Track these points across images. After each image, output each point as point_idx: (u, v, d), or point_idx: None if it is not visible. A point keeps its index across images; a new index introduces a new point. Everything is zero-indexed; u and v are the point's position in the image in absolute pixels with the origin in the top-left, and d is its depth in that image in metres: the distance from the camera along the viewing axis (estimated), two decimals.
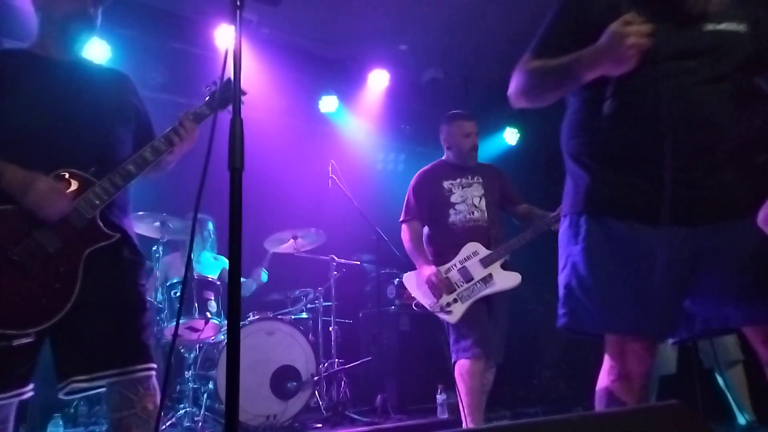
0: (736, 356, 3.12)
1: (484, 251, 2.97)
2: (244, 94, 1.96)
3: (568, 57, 1.48)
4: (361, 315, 4.63)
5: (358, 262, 4.41)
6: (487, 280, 2.93)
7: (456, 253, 2.99)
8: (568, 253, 1.55)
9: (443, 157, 3.33)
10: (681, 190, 1.42)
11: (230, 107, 1.91)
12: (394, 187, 5.51)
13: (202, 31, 4.55)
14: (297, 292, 4.20)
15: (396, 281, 4.39)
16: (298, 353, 3.59)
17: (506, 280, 2.94)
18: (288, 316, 3.89)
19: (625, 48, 1.36)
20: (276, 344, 3.55)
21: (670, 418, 1.05)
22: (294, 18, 4.66)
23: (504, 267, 2.96)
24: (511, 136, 6.00)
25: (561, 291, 1.56)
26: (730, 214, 1.43)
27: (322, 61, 5.14)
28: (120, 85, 1.92)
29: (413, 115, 5.71)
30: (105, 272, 1.68)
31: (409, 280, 3.14)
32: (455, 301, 2.93)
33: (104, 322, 1.66)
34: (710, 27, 1.49)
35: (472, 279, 2.93)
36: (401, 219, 3.21)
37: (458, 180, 3.15)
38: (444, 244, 3.04)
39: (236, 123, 1.18)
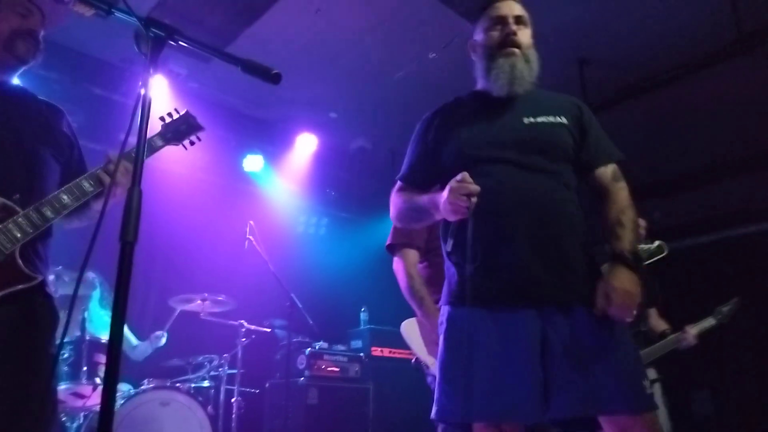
0: None
1: None
2: (201, 129, 1.88)
3: (424, 198, 1.75)
4: (267, 385, 4.39)
5: (269, 329, 4.22)
6: None
7: None
8: (440, 345, 1.68)
9: None
10: (530, 273, 1.58)
11: (185, 141, 1.83)
12: (314, 251, 5.44)
13: (127, 79, 4.43)
14: (200, 358, 3.94)
15: (307, 351, 4.23)
16: (194, 427, 3.31)
17: None
18: (187, 385, 3.62)
19: (457, 205, 1.54)
20: (170, 416, 3.26)
21: None
22: (224, 76, 4.63)
23: None
24: None
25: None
26: (567, 302, 1.57)
27: (249, 120, 5.10)
28: (51, 114, 1.76)
29: (339, 182, 5.73)
30: (14, 326, 1.42)
31: (410, 329, 2.45)
32: None
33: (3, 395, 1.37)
34: (529, 120, 1.74)
35: None
36: (388, 244, 2.56)
37: None
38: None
39: (134, 194, 1.09)
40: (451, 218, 1.61)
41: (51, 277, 3.32)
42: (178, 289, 3.89)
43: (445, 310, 1.69)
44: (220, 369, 3.86)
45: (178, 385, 3.54)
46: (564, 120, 1.74)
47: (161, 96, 4.43)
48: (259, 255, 3.93)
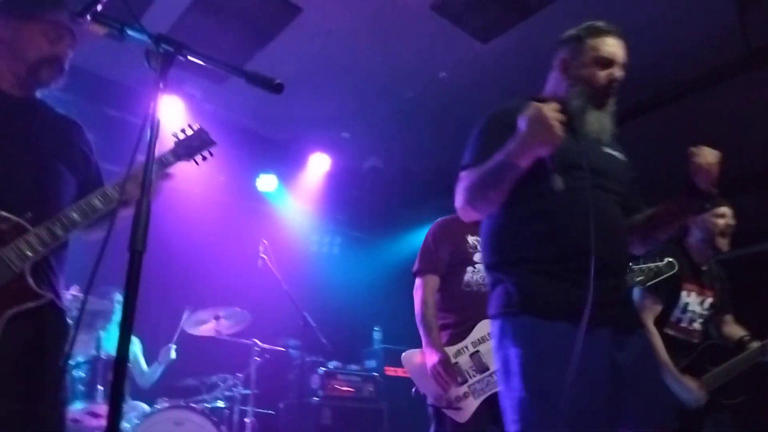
0: None
1: None
2: (214, 144, 1.89)
3: (496, 156, 1.59)
4: (282, 405, 4.36)
5: (283, 348, 4.20)
6: None
7: (469, 330, 2.48)
8: (510, 358, 1.58)
9: None
10: (611, 295, 1.60)
11: (197, 157, 1.85)
12: (327, 270, 5.44)
13: (142, 101, 4.51)
14: (214, 377, 3.92)
15: (321, 370, 4.20)
16: None
17: None
18: (201, 405, 3.61)
19: (547, 124, 1.48)
20: None
21: None
22: (238, 97, 4.71)
23: None
24: None
25: (515, 399, 1.55)
26: (631, 326, 1.66)
27: (263, 140, 5.16)
28: (69, 128, 1.75)
29: (352, 201, 5.75)
30: (26, 340, 1.42)
31: (410, 360, 2.57)
32: (466, 395, 2.40)
33: (12, 409, 1.38)
34: (606, 150, 1.77)
35: (488, 369, 2.40)
36: (415, 269, 2.69)
37: None
38: (454, 312, 2.56)
39: (143, 204, 1.11)
40: (543, 149, 1.52)
41: (70, 292, 3.36)
42: (192, 308, 3.90)
43: (522, 320, 1.58)
44: (234, 389, 3.84)
45: (192, 405, 3.53)
46: (627, 160, 1.84)
47: (177, 117, 4.51)
48: (272, 274, 3.94)
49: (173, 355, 3.79)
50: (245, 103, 4.80)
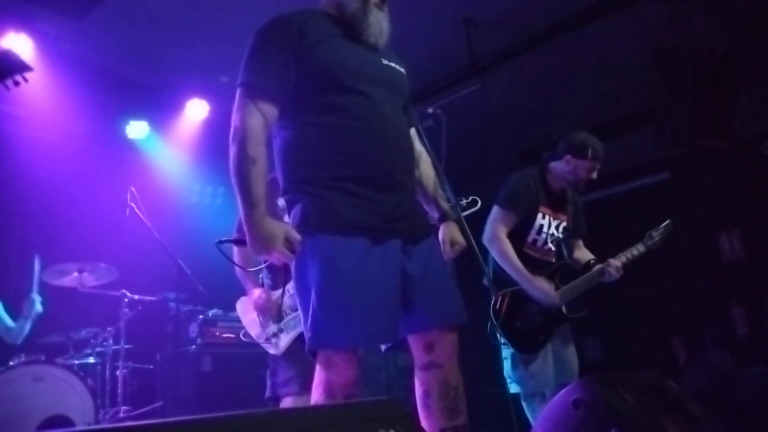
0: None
1: None
2: (30, 70, 1.70)
3: (252, 186, 1.58)
4: (159, 357, 4.23)
5: (154, 298, 4.03)
6: None
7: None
8: (307, 275, 1.63)
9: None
10: (399, 208, 1.68)
11: (7, 80, 1.65)
12: (209, 221, 5.25)
13: None
14: (83, 332, 3.71)
15: (199, 318, 4.10)
16: (74, 401, 3.13)
17: None
18: (64, 360, 3.41)
19: (281, 255, 1.55)
20: (45, 391, 3.06)
21: (379, 412, 1.02)
22: (101, 37, 4.32)
23: None
24: None
25: (307, 313, 1.61)
26: (418, 236, 1.73)
27: (132, 84, 4.78)
28: None
29: None
30: None
31: (242, 306, 2.88)
32: (281, 331, 2.70)
33: None
34: (386, 62, 1.80)
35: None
36: (235, 237, 2.79)
37: None
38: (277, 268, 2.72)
39: None
40: (264, 257, 1.63)
41: None
42: (54, 261, 3.65)
43: (320, 239, 1.60)
44: (105, 344, 3.66)
45: (56, 360, 3.32)
46: (405, 72, 1.88)
47: (27, 60, 4.08)
48: (144, 223, 3.75)
49: (39, 307, 3.49)
50: (109, 42, 4.40)
